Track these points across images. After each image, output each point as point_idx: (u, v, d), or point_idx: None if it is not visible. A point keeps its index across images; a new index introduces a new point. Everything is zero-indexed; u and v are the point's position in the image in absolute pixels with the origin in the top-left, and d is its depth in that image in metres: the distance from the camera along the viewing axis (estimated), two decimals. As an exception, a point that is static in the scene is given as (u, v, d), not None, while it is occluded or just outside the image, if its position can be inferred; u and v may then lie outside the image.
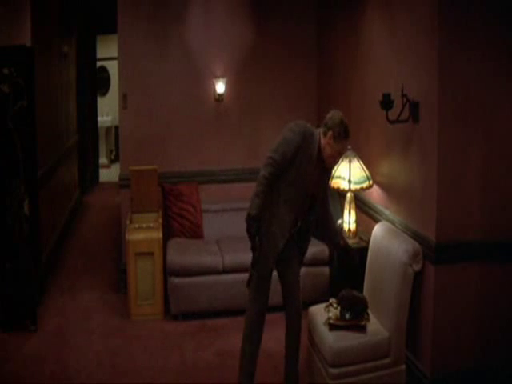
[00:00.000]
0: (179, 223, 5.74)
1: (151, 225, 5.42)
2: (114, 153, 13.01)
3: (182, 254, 5.28)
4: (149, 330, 5.15)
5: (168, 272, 5.25)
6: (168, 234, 5.72)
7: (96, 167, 11.34)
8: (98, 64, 11.80)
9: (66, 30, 8.34)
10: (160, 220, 5.54)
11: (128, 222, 5.53)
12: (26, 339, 4.96)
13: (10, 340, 4.97)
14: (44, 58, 6.48)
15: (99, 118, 11.69)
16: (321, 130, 3.70)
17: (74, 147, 9.32)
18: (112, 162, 12.81)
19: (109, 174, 11.73)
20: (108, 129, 12.81)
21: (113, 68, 12.12)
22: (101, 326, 5.23)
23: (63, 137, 8.10)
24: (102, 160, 12.19)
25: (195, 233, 5.77)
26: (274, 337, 4.63)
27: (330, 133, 3.62)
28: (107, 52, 11.72)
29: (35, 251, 5.35)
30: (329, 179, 4.07)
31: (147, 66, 5.91)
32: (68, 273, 6.60)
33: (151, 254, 5.29)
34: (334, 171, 4.65)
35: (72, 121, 9.18)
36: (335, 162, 3.83)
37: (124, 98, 5.90)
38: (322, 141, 3.67)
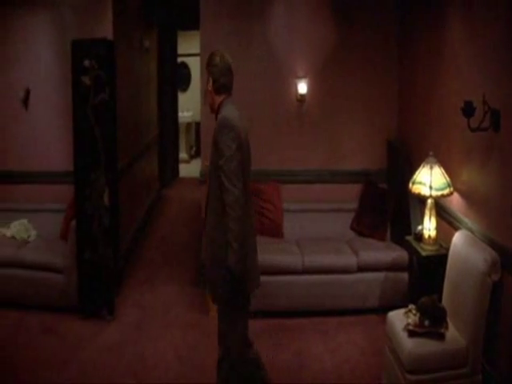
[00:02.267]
0: (259, 221, 5.68)
1: None
2: (194, 149, 13.14)
3: (262, 252, 5.08)
4: None
5: None
6: None
7: (176, 162, 11.44)
8: (179, 60, 11.89)
9: (147, 24, 8.44)
10: None
11: None
12: (102, 328, 5.05)
13: (87, 328, 5.08)
14: (125, 52, 6.56)
15: (180, 114, 11.79)
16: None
17: (155, 142, 9.43)
18: (192, 157, 12.94)
19: (188, 169, 11.82)
20: (188, 124, 12.93)
21: (193, 64, 12.23)
22: (179, 320, 5.24)
23: (144, 131, 8.20)
24: (182, 155, 12.31)
25: (275, 232, 5.73)
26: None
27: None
28: (188, 48, 11.82)
29: (114, 242, 5.40)
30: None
31: None
32: (146, 265, 6.66)
33: None
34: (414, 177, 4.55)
35: (153, 115, 9.29)
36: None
37: (205, 94, 5.86)
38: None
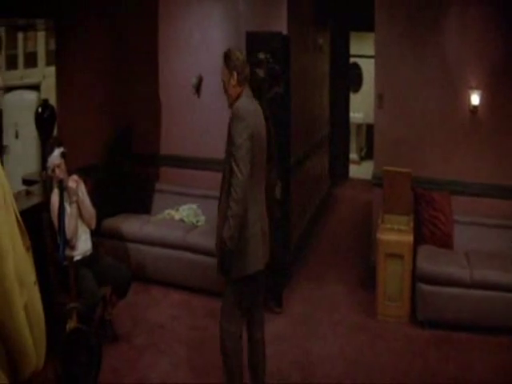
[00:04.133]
0: (430, 230, 5.54)
1: (403, 227, 5.32)
2: (364, 150, 12.91)
3: (432, 261, 5.09)
4: (393, 331, 4.99)
5: (417, 277, 5.09)
6: (417, 239, 5.50)
7: (346, 162, 11.31)
8: (351, 60, 11.75)
9: (320, 22, 8.39)
10: (411, 224, 5.40)
11: (380, 221, 5.46)
12: (269, 320, 4.98)
13: None
14: (299, 48, 6.54)
15: (351, 114, 11.65)
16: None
17: (326, 140, 9.36)
18: (362, 159, 12.72)
19: (358, 170, 11.62)
20: (359, 126, 12.72)
21: (365, 65, 12.03)
22: (346, 320, 5.17)
23: (315, 128, 8.16)
24: (352, 156, 12.14)
25: (445, 242, 5.52)
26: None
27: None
28: (360, 49, 11.64)
29: (285, 236, 5.38)
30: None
31: (402, 68, 5.80)
32: (315, 262, 6.62)
33: (401, 256, 5.16)
34: None
35: (324, 113, 9.23)
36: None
37: (380, 97, 5.88)
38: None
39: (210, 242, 5.46)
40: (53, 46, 6.33)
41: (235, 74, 3.51)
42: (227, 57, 3.56)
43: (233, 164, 3.39)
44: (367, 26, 6.19)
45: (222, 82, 3.62)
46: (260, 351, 3.80)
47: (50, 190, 4.52)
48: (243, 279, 3.54)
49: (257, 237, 3.54)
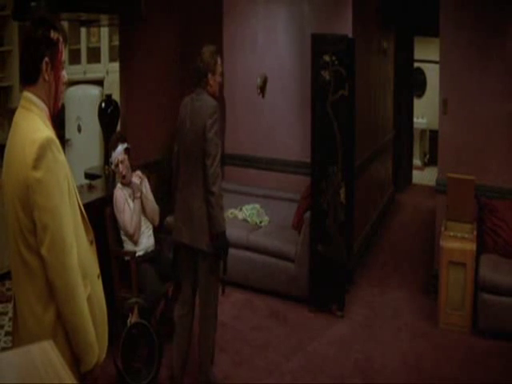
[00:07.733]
0: (492, 239, 5.38)
1: (466, 235, 5.19)
2: (427, 156, 12.69)
3: (494, 271, 4.96)
4: (455, 340, 4.87)
5: (479, 286, 4.96)
6: (480, 247, 5.35)
7: (409, 168, 11.14)
8: (415, 65, 11.57)
9: (385, 26, 8.29)
10: (474, 232, 5.27)
11: (443, 228, 5.35)
12: (331, 323, 5.07)
13: (315, 320, 5.15)
14: (364, 51, 6.49)
15: (414, 120, 11.46)
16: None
17: (390, 145, 9.24)
18: (425, 165, 12.51)
19: (421, 176, 11.44)
20: (422, 131, 12.53)
21: (429, 71, 11.85)
22: (408, 327, 5.09)
23: (379, 132, 8.07)
24: (416, 161, 11.97)
25: (507, 251, 5.35)
26: None
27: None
28: (424, 54, 11.45)
29: (348, 239, 5.35)
30: None
31: (467, 74, 5.63)
32: (378, 267, 6.54)
33: (463, 264, 5.05)
34: None
35: (388, 118, 9.11)
36: None
37: (444, 103, 5.74)
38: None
39: (273, 243, 5.51)
40: (116, 42, 6.43)
41: None
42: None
43: None
44: (432, 31, 6.10)
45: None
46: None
47: (113, 185, 4.59)
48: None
49: (177, 221, 4.03)
